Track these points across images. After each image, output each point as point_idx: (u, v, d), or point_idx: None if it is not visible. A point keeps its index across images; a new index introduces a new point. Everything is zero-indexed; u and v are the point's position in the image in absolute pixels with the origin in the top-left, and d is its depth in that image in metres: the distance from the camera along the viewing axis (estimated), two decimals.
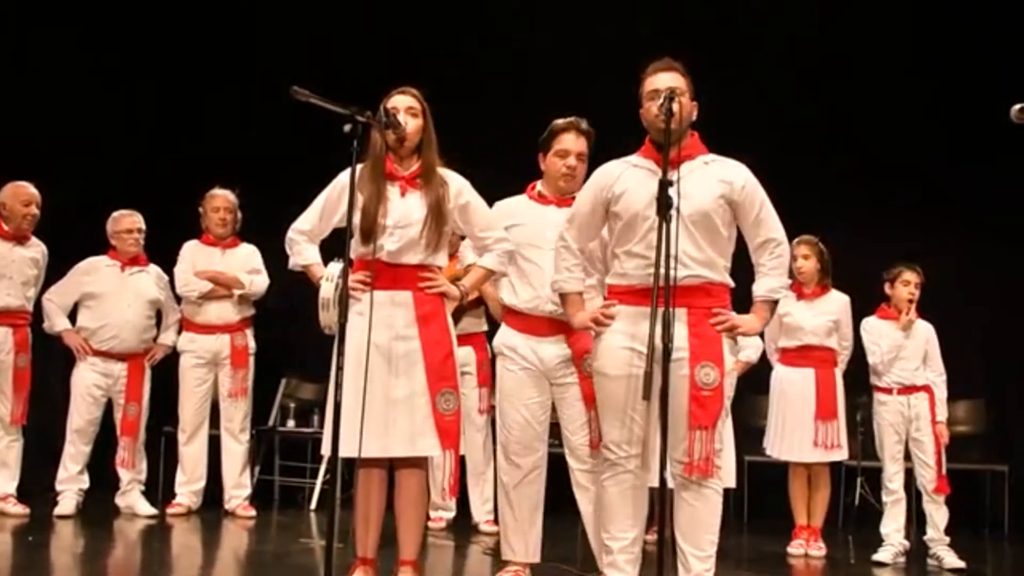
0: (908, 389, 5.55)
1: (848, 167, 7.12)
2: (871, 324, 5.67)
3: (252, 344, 6.19)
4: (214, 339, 6.09)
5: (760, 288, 3.65)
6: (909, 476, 5.59)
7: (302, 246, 4.08)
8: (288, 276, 5.88)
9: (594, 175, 3.77)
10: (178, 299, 6.19)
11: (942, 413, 5.54)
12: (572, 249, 3.80)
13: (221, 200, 6.18)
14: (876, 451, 5.67)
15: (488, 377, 5.98)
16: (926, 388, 5.54)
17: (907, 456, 5.57)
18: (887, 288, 5.66)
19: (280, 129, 6.81)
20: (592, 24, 7.21)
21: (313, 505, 6.61)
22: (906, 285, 5.58)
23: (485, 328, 6.06)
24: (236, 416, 6.14)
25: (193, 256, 6.14)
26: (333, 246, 3.97)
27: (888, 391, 5.59)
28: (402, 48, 7.16)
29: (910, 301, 5.56)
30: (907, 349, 5.56)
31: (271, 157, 7.13)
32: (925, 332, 5.60)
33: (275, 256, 5.95)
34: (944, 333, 5.65)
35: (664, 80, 3.59)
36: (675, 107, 3.42)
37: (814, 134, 7.09)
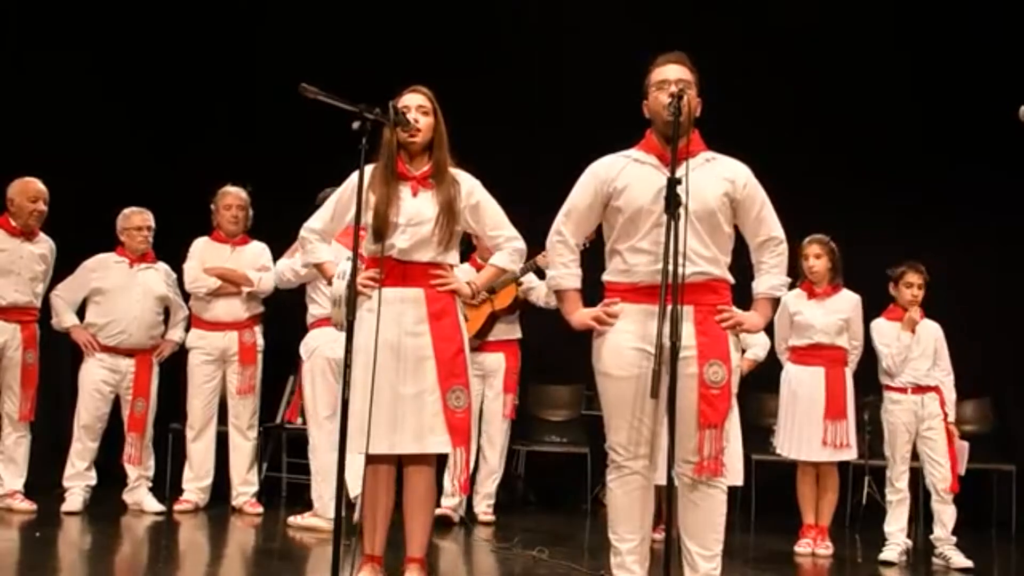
0: (922, 389, 5.54)
1: (848, 167, 7.13)
2: (879, 326, 5.66)
3: (260, 341, 6.20)
4: (222, 336, 6.09)
5: (761, 285, 3.65)
6: (913, 476, 5.58)
7: (314, 244, 4.11)
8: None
9: (591, 169, 3.70)
10: (186, 296, 6.19)
11: (951, 414, 5.53)
12: (569, 244, 3.73)
13: (233, 197, 6.17)
14: (884, 449, 5.65)
15: (515, 384, 6.16)
16: (937, 388, 5.53)
17: (913, 456, 5.56)
18: (892, 288, 5.65)
19: (289, 128, 6.80)
20: (591, 23, 7.21)
21: None
22: (909, 287, 5.56)
23: (519, 336, 6.18)
24: (244, 413, 6.14)
25: (203, 253, 6.14)
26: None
27: (902, 391, 5.57)
28: (408, 48, 7.16)
29: (913, 301, 5.54)
30: (916, 349, 5.55)
31: (279, 156, 7.13)
32: (933, 331, 5.59)
33: (283, 254, 6.01)
34: (947, 333, 5.64)
35: (674, 72, 3.57)
36: (683, 104, 3.41)
37: (815, 134, 7.09)
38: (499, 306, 6.09)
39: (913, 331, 5.55)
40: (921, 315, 5.58)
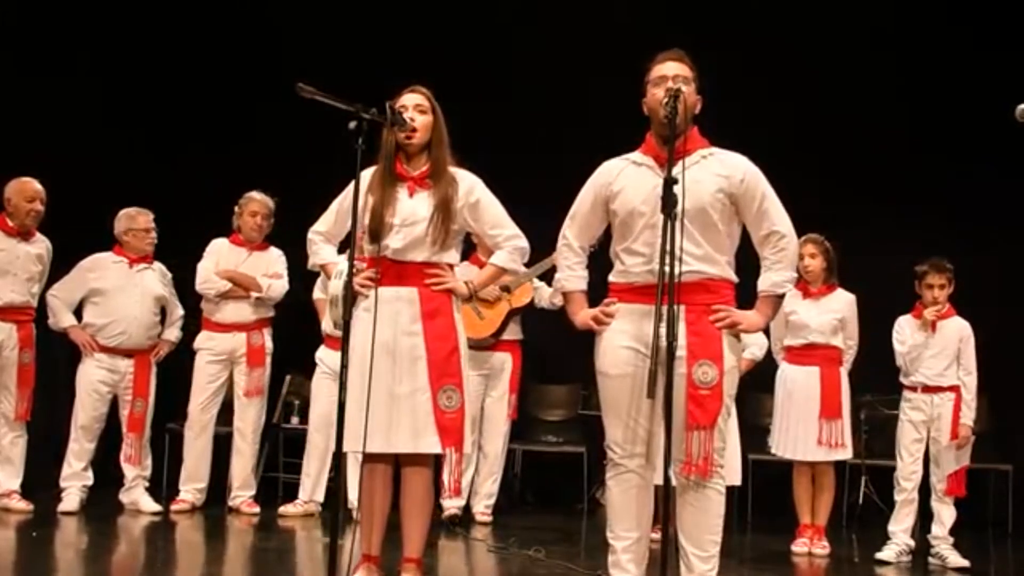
0: (932, 389, 5.52)
1: (849, 166, 7.11)
2: (900, 322, 5.66)
3: (269, 344, 6.17)
4: (231, 337, 6.08)
5: (763, 283, 3.62)
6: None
7: (319, 246, 4.17)
8: (293, 274, 5.92)
9: (595, 173, 3.75)
10: (182, 296, 6.18)
11: (967, 415, 5.45)
12: (574, 247, 3.78)
13: (259, 205, 6.12)
14: (894, 448, 5.64)
15: (518, 384, 6.17)
16: (953, 389, 5.48)
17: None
18: (916, 287, 5.63)
19: (288, 128, 6.79)
20: (593, 22, 7.21)
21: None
22: (930, 288, 5.55)
23: (522, 336, 6.24)
24: (249, 416, 6.12)
25: (219, 254, 6.12)
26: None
27: (913, 389, 5.57)
28: (407, 48, 7.15)
29: (934, 302, 5.53)
30: (932, 349, 5.52)
31: (278, 156, 7.12)
32: (958, 331, 5.53)
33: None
34: None
35: (672, 68, 3.56)
36: (679, 104, 3.40)
37: (815, 133, 7.08)
38: (516, 304, 6.08)
39: (933, 330, 5.53)
40: (947, 313, 5.54)
